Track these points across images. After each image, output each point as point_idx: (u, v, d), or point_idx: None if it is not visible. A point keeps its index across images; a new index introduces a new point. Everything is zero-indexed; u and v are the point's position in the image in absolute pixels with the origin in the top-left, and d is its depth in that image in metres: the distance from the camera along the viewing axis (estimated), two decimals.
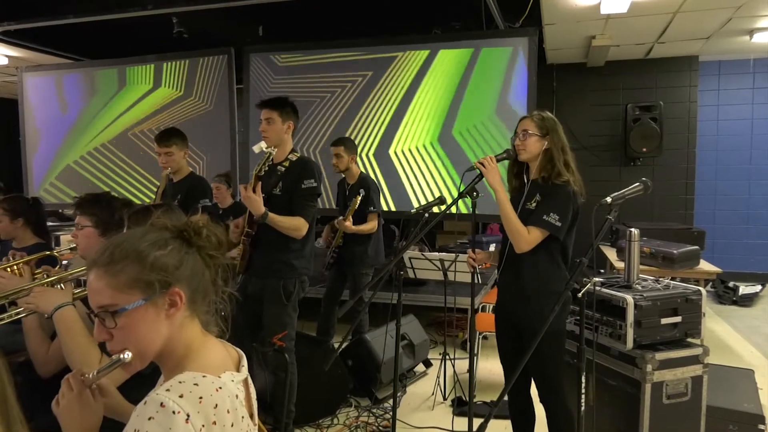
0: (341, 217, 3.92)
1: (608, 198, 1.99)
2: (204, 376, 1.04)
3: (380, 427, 3.33)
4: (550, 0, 4.74)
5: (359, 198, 3.90)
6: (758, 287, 6.39)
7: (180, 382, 1.01)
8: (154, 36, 6.26)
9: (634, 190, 2.08)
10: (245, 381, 1.17)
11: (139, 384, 1.30)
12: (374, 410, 3.52)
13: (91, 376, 1.14)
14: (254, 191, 2.69)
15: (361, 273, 4.09)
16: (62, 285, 1.94)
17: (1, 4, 5.34)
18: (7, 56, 6.63)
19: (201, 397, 0.99)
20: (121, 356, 1.05)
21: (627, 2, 4.67)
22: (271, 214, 2.72)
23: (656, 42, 6.11)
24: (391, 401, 3.52)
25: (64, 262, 2.42)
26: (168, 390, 0.99)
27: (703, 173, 6.99)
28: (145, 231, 1.12)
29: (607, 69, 6.90)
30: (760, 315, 5.82)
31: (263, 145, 2.78)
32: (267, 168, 2.76)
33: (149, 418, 0.95)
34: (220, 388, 1.04)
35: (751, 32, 5.74)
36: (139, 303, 1.04)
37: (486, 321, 3.99)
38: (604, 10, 4.87)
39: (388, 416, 3.43)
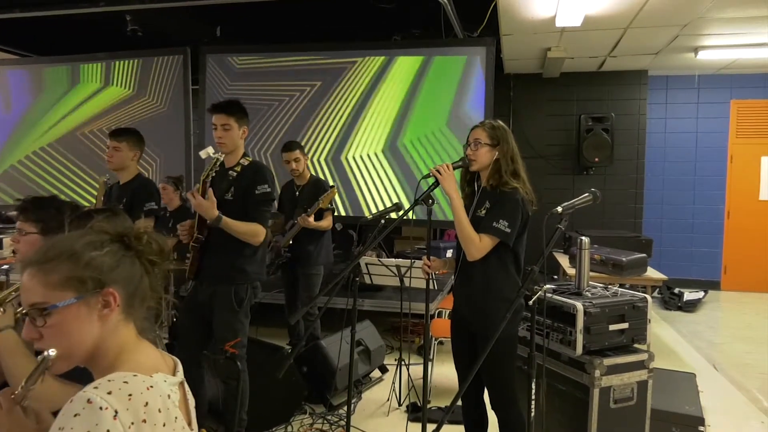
0: (304, 214, 3.87)
1: (559, 207, 2.04)
2: (135, 375, 1.02)
3: None
4: (508, 11, 4.85)
5: (331, 192, 3.88)
6: (701, 293, 6.67)
7: (109, 380, 0.99)
8: (107, 33, 6.08)
9: (584, 200, 2.14)
10: (181, 385, 1.15)
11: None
12: (329, 417, 3.49)
13: (20, 389, 1.09)
14: (204, 196, 2.64)
15: (311, 273, 4.09)
16: (3, 307, 1.84)
17: None
18: None
19: (130, 395, 0.98)
20: (46, 353, 1.03)
21: (581, 16, 4.81)
22: (225, 218, 2.68)
23: (608, 55, 6.32)
24: (346, 408, 3.50)
25: (4, 266, 2.31)
26: (96, 387, 0.97)
27: (651, 183, 7.27)
28: (82, 233, 1.11)
29: (562, 80, 7.10)
30: (703, 320, 6.07)
31: (210, 150, 2.74)
32: (215, 174, 2.72)
33: (75, 415, 0.92)
34: (151, 387, 1.02)
35: (696, 50, 6.01)
36: (70, 301, 1.03)
37: (442, 326, 4.02)
38: (559, 23, 5.00)
39: (342, 423, 3.41)
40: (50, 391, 1.56)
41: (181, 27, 6.25)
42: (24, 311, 1.07)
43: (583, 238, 2.86)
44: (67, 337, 1.04)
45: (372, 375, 4.15)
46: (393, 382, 3.77)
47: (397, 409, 3.67)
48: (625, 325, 2.62)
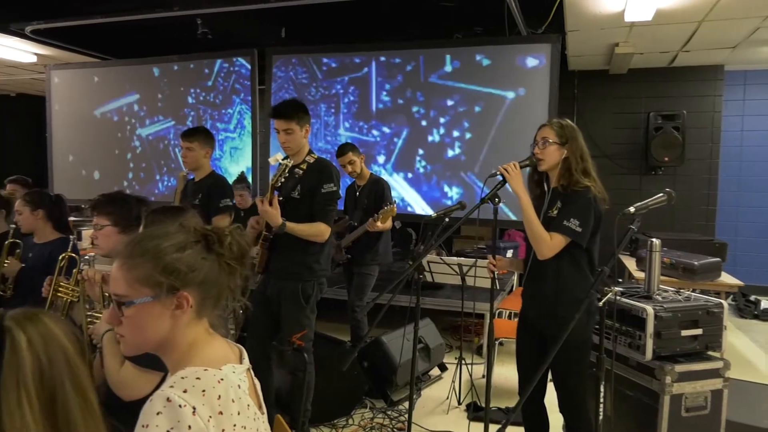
0: (371, 219, 3.90)
1: (631, 208, 1.99)
2: (205, 370, 1.08)
3: (395, 429, 3.34)
4: (574, 7, 4.73)
5: (394, 207, 3.90)
6: None
7: (182, 378, 1.05)
8: (179, 36, 6.36)
9: (657, 200, 2.07)
10: (248, 371, 1.21)
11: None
12: (389, 412, 3.54)
13: None
14: (270, 204, 2.72)
15: (365, 273, 4.12)
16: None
17: (30, 3, 5.46)
18: (36, 54, 6.78)
19: (204, 390, 1.03)
20: None
21: (652, 10, 4.63)
22: (289, 224, 2.75)
23: (681, 50, 6.05)
24: (405, 404, 3.54)
25: (86, 257, 2.46)
26: (172, 386, 1.03)
27: (725, 184, 6.89)
28: (169, 231, 1.16)
29: (629, 77, 6.84)
30: None
31: (279, 156, 2.80)
32: (282, 180, 2.79)
33: (157, 413, 0.99)
34: (222, 379, 1.08)
35: None
36: (146, 299, 1.10)
37: (502, 327, 3.99)
38: (629, 18, 4.83)
39: (402, 418, 3.45)
40: (130, 377, 1.67)
41: (248, 29, 6.45)
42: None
43: (654, 239, 2.77)
44: (139, 329, 1.12)
45: (431, 373, 4.16)
46: (453, 381, 3.77)
47: (457, 407, 3.67)
48: (698, 331, 2.53)
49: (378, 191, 4.09)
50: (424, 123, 5.74)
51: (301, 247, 2.83)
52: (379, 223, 3.86)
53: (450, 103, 5.64)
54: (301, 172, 2.91)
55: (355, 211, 4.20)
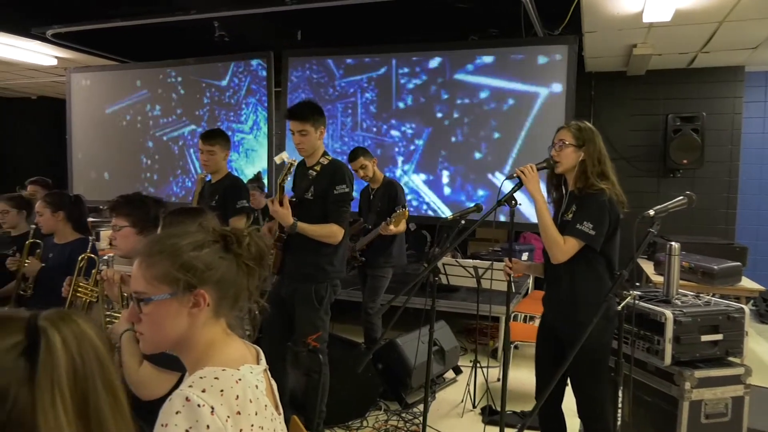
0: (384, 223, 3.91)
1: (651, 211, 1.96)
2: (223, 370, 1.09)
3: None
4: (592, 7, 4.68)
5: (407, 211, 3.90)
6: None
7: (201, 378, 1.06)
8: (196, 39, 6.42)
9: (678, 203, 2.04)
10: (265, 372, 1.21)
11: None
12: (403, 414, 3.53)
13: None
14: (281, 204, 2.72)
15: (378, 275, 4.12)
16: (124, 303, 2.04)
17: (51, 7, 5.55)
18: (56, 57, 6.88)
19: (222, 390, 1.04)
20: None
21: (671, 11, 4.57)
22: (300, 224, 2.75)
23: (700, 51, 5.96)
24: (420, 406, 3.53)
25: (105, 257, 2.49)
26: (191, 386, 1.04)
27: (746, 187, 6.77)
28: (188, 231, 1.18)
29: (647, 78, 6.76)
30: None
31: (285, 155, 2.81)
32: (288, 179, 2.80)
33: (176, 412, 1.00)
34: (240, 380, 1.09)
35: None
36: (164, 296, 1.12)
37: (518, 330, 3.96)
38: (647, 19, 4.78)
39: (417, 421, 3.43)
40: (148, 376, 1.69)
41: (265, 32, 6.49)
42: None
43: (673, 243, 2.73)
44: (157, 327, 1.14)
45: (446, 375, 4.14)
46: (467, 384, 3.75)
47: (472, 410, 3.65)
48: (719, 337, 2.48)
49: (391, 194, 4.09)
50: (446, 123, 5.66)
51: (314, 248, 2.83)
52: (391, 227, 3.87)
53: (475, 101, 5.55)
54: (314, 173, 2.91)
55: (369, 214, 4.22)
